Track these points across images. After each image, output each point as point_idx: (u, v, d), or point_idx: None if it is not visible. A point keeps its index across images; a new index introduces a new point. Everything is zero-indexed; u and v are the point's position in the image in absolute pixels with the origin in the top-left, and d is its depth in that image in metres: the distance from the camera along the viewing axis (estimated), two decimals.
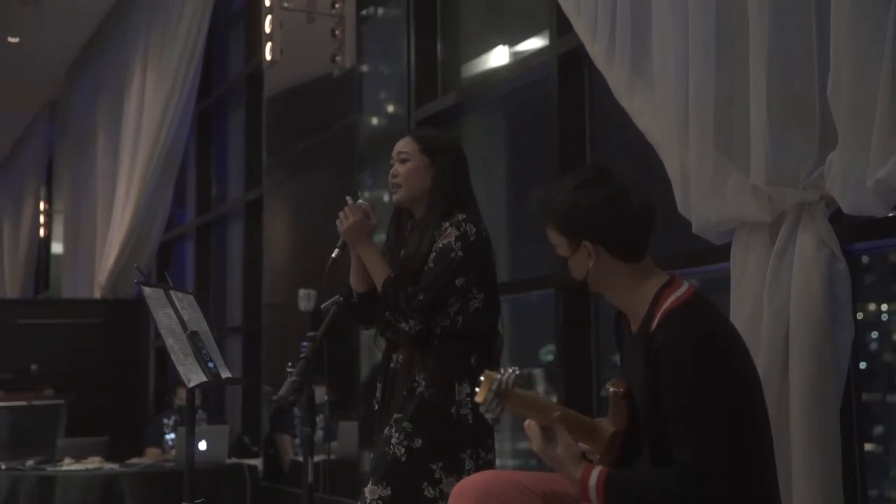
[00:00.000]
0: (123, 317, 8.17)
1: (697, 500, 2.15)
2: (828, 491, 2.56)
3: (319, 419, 6.00)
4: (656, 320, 2.26)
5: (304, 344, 5.42)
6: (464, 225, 3.09)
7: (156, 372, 8.83)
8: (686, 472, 2.16)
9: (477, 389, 2.20)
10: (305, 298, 5.50)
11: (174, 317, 3.20)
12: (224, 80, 8.22)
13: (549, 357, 4.87)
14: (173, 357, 3.07)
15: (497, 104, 4.97)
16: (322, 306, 2.78)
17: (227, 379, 3.22)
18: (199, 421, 6.28)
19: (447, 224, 3.11)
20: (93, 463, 5.45)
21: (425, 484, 2.99)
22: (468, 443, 3.03)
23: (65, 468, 5.36)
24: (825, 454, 2.57)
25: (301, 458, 5.63)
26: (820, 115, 2.64)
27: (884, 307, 3.46)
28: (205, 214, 8.38)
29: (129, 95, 8.45)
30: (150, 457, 5.90)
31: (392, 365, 3.16)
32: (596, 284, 2.39)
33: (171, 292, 3.29)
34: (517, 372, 2.19)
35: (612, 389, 2.32)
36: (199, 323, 3.29)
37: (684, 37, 2.97)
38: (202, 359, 3.16)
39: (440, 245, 3.08)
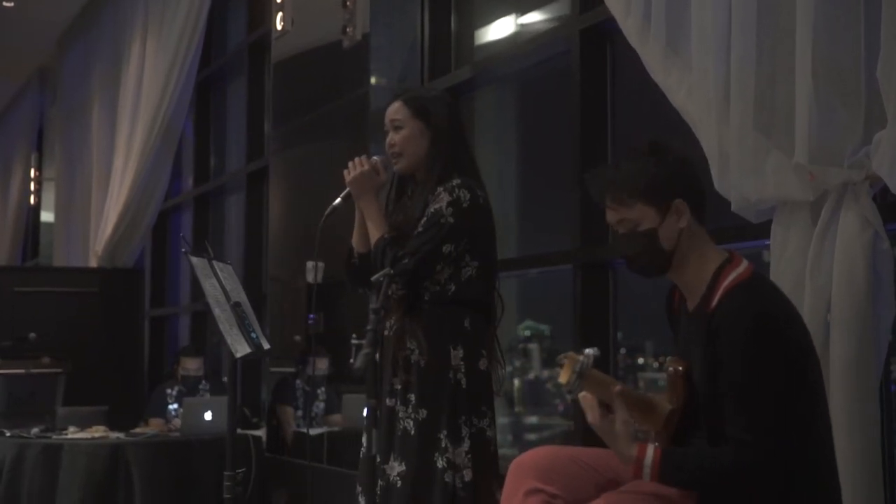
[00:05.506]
0: (120, 286, 8.12)
1: (751, 476, 2.17)
2: (867, 467, 2.57)
3: (321, 392, 5.99)
4: (716, 298, 2.26)
5: (312, 316, 5.40)
6: (457, 191, 3.02)
7: (150, 342, 8.79)
8: (740, 448, 2.17)
9: (559, 369, 2.20)
10: (313, 271, 5.47)
11: (218, 287, 3.17)
12: (223, 48, 8.13)
13: (527, 332, 4.89)
14: (221, 327, 3.05)
15: (513, 79, 4.94)
16: (372, 279, 2.76)
17: (268, 351, 3.19)
18: (202, 391, 6.26)
19: (441, 188, 3.05)
20: (98, 432, 5.42)
21: (436, 455, 2.96)
22: (464, 409, 3.00)
23: (70, 437, 5.34)
24: (865, 432, 2.58)
25: (303, 430, 5.67)
26: (866, 92, 2.63)
27: None
28: (203, 185, 8.32)
29: (128, 65, 8.33)
30: (154, 427, 5.87)
31: (386, 332, 3.11)
32: (681, 253, 2.36)
33: (213, 262, 3.25)
34: (597, 353, 2.20)
35: (670, 368, 2.32)
36: (240, 294, 3.27)
37: (725, 11, 2.95)
38: (245, 330, 3.13)
39: (431, 210, 3.02)
